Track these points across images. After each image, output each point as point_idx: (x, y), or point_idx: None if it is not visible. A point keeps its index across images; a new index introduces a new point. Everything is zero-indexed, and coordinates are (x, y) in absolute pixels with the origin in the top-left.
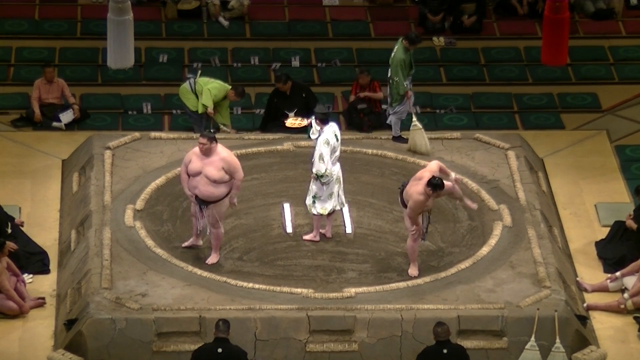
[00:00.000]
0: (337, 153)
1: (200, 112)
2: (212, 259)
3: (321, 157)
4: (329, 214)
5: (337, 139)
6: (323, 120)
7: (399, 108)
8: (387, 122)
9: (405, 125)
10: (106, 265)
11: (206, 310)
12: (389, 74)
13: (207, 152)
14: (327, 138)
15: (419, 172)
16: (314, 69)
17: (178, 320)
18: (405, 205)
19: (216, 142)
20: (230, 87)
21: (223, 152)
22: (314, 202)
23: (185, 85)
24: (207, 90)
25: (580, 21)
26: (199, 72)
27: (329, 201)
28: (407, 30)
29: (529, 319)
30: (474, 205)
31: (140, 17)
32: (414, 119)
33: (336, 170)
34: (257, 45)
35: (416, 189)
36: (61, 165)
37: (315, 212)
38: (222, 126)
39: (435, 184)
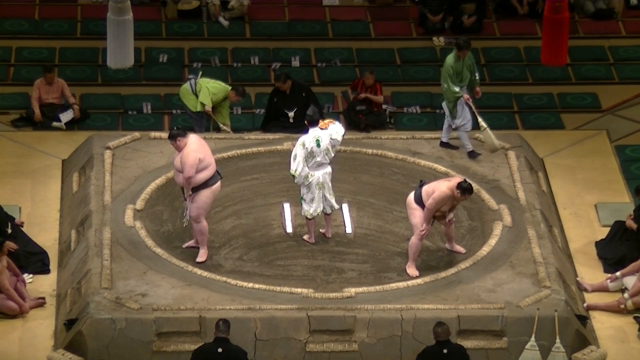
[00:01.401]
0: (319, 159)
1: (198, 109)
2: (201, 256)
3: (294, 157)
4: (327, 216)
5: (319, 145)
6: (310, 123)
7: (459, 122)
8: (388, 121)
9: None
10: (106, 265)
11: (206, 310)
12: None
13: (178, 150)
14: (304, 140)
15: (442, 180)
16: (314, 69)
17: (178, 320)
18: (419, 203)
19: (182, 137)
20: (230, 87)
21: (189, 147)
22: (301, 203)
23: (186, 85)
24: (206, 88)
25: (580, 21)
26: (200, 72)
27: (313, 205)
28: (408, 30)
29: (529, 319)
30: (463, 251)
31: (140, 17)
32: (479, 119)
33: (317, 175)
34: (257, 45)
35: (446, 183)
36: (61, 165)
37: (302, 213)
38: (221, 125)
39: (464, 188)
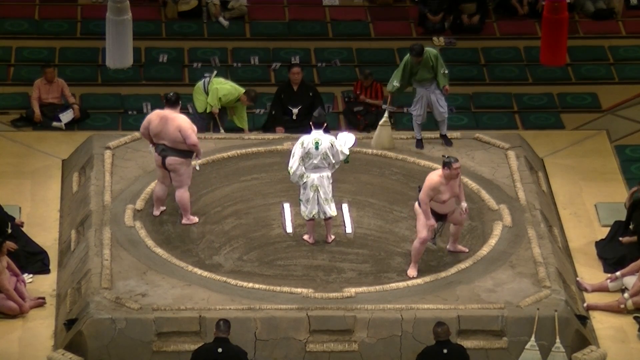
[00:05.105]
0: (315, 161)
1: (202, 110)
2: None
3: (292, 155)
4: (326, 221)
5: (317, 148)
6: (315, 124)
7: (414, 112)
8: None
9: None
10: (106, 265)
11: (206, 310)
12: None
13: None
14: (303, 140)
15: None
16: (314, 69)
17: (178, 320)
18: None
19: (166, 103)
20: (243, 90)
21: (155, 111)
22: (300, 202)
23: (199, 84)
24: (215, 89)
25: (580, 21)
26: (215, 72)
27: (308, 206)
28: (408, 30)
29: (529, 319)
30: (466, 250)
31: (140, 17)
32: (386, 115)
33: (313, 177)
34: (257, 45)
35: (435, 172)
36: (61, 165)
37: (301, 213)
38: (222, 130)
39: (444, 161)
